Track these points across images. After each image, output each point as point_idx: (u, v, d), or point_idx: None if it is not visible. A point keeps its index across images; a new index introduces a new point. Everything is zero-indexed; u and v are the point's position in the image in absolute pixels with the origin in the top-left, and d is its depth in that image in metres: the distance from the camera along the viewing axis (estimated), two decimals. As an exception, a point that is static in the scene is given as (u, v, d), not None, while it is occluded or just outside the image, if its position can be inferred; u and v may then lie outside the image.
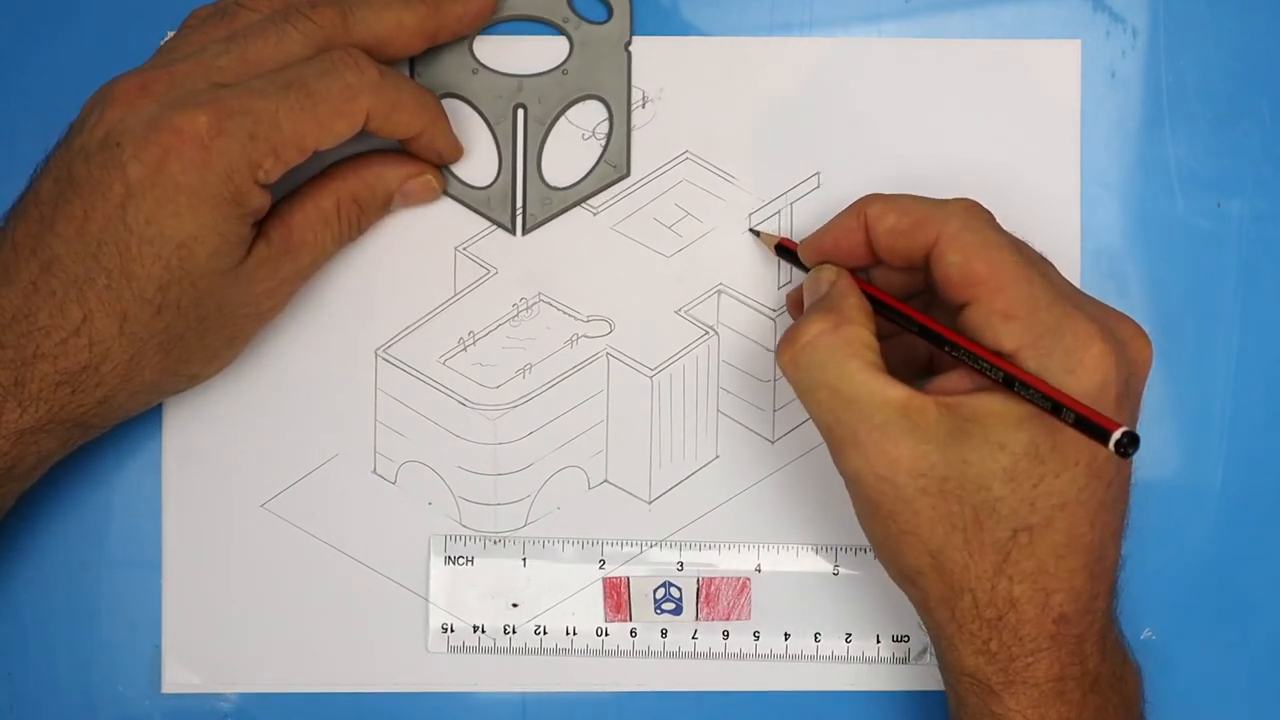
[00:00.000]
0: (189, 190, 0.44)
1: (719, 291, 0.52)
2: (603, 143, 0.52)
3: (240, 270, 0.46)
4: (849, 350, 0.44)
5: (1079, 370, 0.41)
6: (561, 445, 0.52)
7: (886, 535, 0.44)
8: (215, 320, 0.47)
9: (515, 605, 0.52)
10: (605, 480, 0.52)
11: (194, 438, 0.52)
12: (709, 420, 0.52)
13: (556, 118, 0.52)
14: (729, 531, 0.52)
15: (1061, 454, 0.42)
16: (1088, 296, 0.45)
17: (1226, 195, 0.53)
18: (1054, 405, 0.40)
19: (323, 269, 0.51)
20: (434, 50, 0.51)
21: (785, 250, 0.51)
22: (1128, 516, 0.45)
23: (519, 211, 0.52)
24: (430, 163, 0.51)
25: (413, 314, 0.52)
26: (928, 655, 0.52)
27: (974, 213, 0.44)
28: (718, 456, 0.53)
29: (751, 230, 0.52)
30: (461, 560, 0.52)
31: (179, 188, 0.44)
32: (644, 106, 0.52)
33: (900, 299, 0.47)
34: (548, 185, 0.52)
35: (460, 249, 0.52)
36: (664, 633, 0.52)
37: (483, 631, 0.52)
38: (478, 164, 0.52)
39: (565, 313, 0.52)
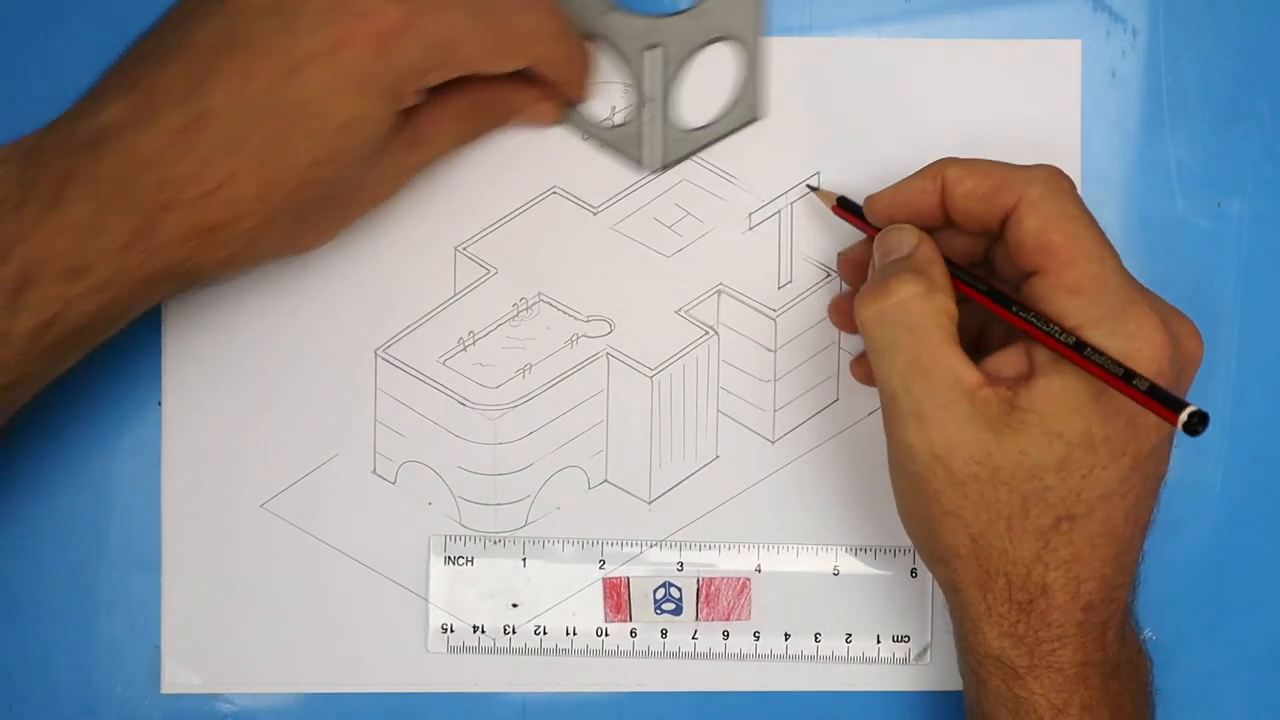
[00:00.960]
0: (359, 78, 0.43)
1: (719, 291, 0.52)
2: (736, 86, 0.52)
3: (376, 158, 0.46)
4: (936, 320, 0.43)
5: (1137, 358, 0.41)
6: (561, 445, 0.52)
7: (928, 515, 0.44)
8: (340, 199, 0.47)
9: (515, 605, 0.52)
10: (605, 480, 0.52)
11: (194, 438, 0.52)
12: (709, 420, 0.52)
13: (689, 59, 0.52)
14: (729, 531, 0.52)
15: (1111, 445, 0.42)
16: (1147, 290, 0.44)
17: (1226, 195, 0.53)
18: (1126, 373, 0.40)
19: (323, 269, 0.51)
20: None
21: (846, 204, 0.50)
22: (1155, 513, 0.45)
23: (651, 151, 0.52)
24: (555, 98, 0.51)
25: (413, 314, 0.52)
26: (928, 655, 0.52)
27: (1056, 181, 0.44)
28: (718, 456, 0.53)
29: (809, 186, 0.52)
30: (461, 560, 0.52)
31: (350, 73, 0.43)
32: (644, 107, 0.52)
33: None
34: (680, 127, 0.52)
35: (460, 249, 0.52)
36: (664, 633, 0.52)
37: (483, 632, 0.52)
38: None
39: (565, 313, 0.52)
